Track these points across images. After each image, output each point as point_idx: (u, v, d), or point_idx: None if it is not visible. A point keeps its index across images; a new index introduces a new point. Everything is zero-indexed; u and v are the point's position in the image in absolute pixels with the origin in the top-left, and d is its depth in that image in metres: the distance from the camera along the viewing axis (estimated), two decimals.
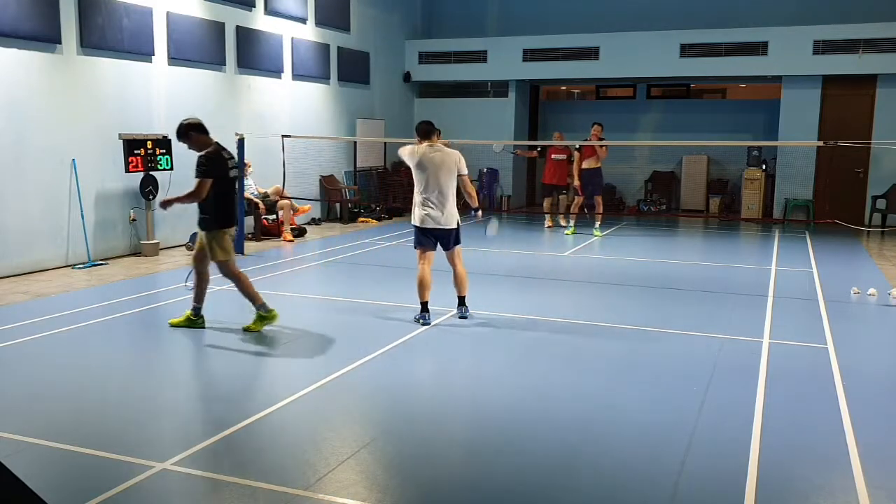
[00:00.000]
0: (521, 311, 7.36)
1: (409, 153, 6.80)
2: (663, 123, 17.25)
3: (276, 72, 13.02)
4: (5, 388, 5.11)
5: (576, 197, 13.10)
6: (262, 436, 4.32)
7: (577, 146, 12.79)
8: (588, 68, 15.91)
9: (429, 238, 6.76)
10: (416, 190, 6.75)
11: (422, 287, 6.74)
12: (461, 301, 6.95)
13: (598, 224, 12.87)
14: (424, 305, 6.76)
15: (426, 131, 6.83)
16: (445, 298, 7.11)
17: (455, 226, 6.76)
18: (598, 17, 16.23)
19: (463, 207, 7.41)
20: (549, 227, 13.58)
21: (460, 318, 6.91)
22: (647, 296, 8.21)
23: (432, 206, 6.65)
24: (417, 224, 6.74)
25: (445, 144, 7.00)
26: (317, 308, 7.53)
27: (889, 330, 7.09)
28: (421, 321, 6.71)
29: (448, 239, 6.77)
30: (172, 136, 10.43)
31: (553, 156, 13.40)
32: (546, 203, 13.65)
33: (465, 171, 6.80)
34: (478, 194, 16.71)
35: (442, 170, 6.63)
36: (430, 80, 17.32)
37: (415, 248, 6.87)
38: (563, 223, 13.55)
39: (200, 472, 3.82)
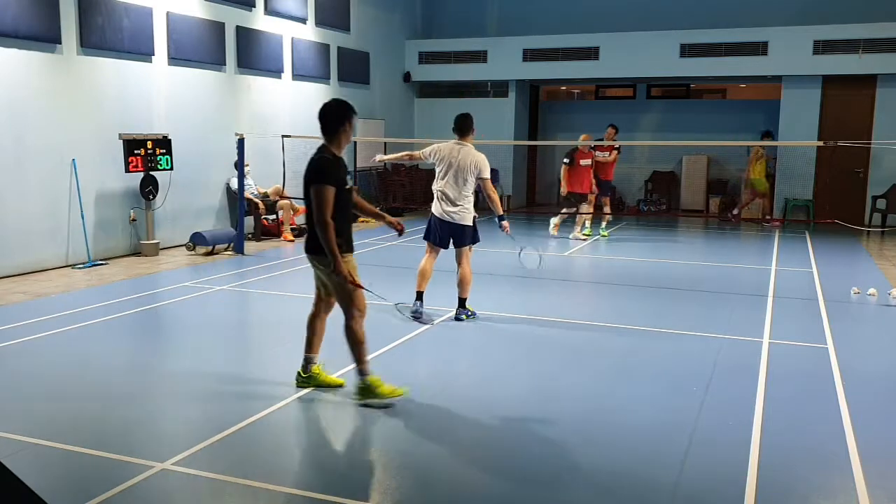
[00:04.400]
0: (522, 311, 7.36)
1: (430, 149, 6.94)
2: (663, 123, 17.25)
3: (276, 72, 13.02)
4: (5, 388, 5.11)
5: (601, 198, 12.62)
6: (262, 436, 4.32)
7: (592, 146, 12.22)
8: (588, 68, 15.91)
9: (440, 231, 6.80)
10: (434, 181, 6.87)
11: (421, 276, 6.82)
12: (461, 303, 6.96)
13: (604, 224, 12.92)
14: (419, 295, 6.85)
15: (461, 128, 6.86)
16: (448, 298, 7.11)
17: (469, 223, 6.79)
18: (598, 17, 16.23)
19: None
20: (555, 234, 12.52)
21: (456, 319, 6.91)
22: (648, 296, 8.20)
23: (446, 199, 6.77)
24: (433, 212, 6.87)
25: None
26: None
27: (889, 330, 7.08)
28: (413, 309, 6.74)
29: (462, 236, 6.80)
30: (173, 136, 10.54)
31: (582, 161, 11.82)
32: (568, 211, 12.29)
33: (486, 174, 6.74)
34: (478, 195, 16.94)
35: (459, 167, 6.70)
36: (430, 80, 17.32)
37: (424, 238, 6.99)
38: (584, 230, 12.53)
39: (200, 472, 3.82)
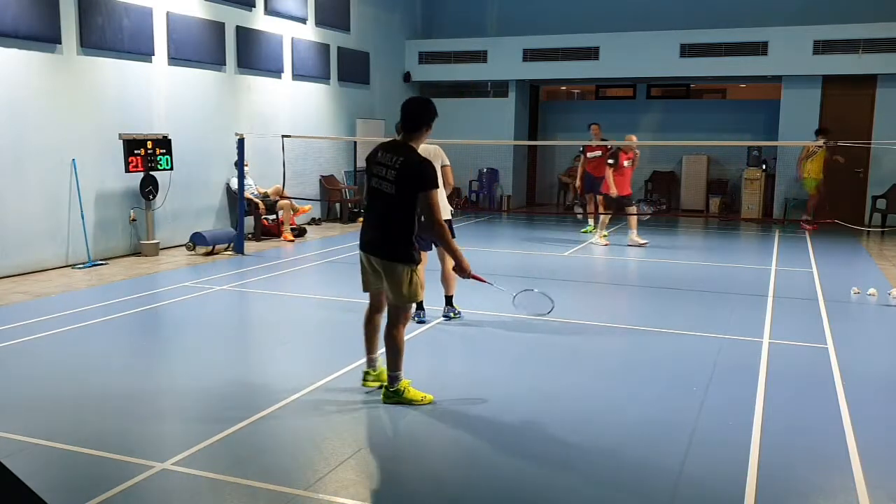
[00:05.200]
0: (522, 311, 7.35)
1: None
2: (663, 123, 17.25)
3: (276, 72, 13.02)
4: (5, 388, 5.11)
5: (597, 197, 12.51)
6: (262, 436, 4.32)
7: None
8: (588, 68, 15.91)
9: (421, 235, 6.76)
10: None
11: None
12: (447, 301, 6.94)
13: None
14: (420, 304, 6.80)
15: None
16: (442, 299, 7.10)
17: (447, 217, 6.76)
18: (598, 17, 16.23)
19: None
20: (605, 241, 11.85)
21: (443, 317, 6.90)
22: (647, 296, 8.20)
23: None
24: None
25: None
26: (317, 308, 7.53)
27: (889, 330, 7.08)
28: (416, 319, 6.73)
29: None
30: (173, 136, 10.54)
31: (625, 161, 11.46)
32: (610, 211, 11.82)
33: (447, 161, 6.80)
34: (478, 195, 17.00)
35: None
36: (430, 80, 17.32)
37: None
38: (602, 231, 12.12)
39: (200, 472, 3.82)
